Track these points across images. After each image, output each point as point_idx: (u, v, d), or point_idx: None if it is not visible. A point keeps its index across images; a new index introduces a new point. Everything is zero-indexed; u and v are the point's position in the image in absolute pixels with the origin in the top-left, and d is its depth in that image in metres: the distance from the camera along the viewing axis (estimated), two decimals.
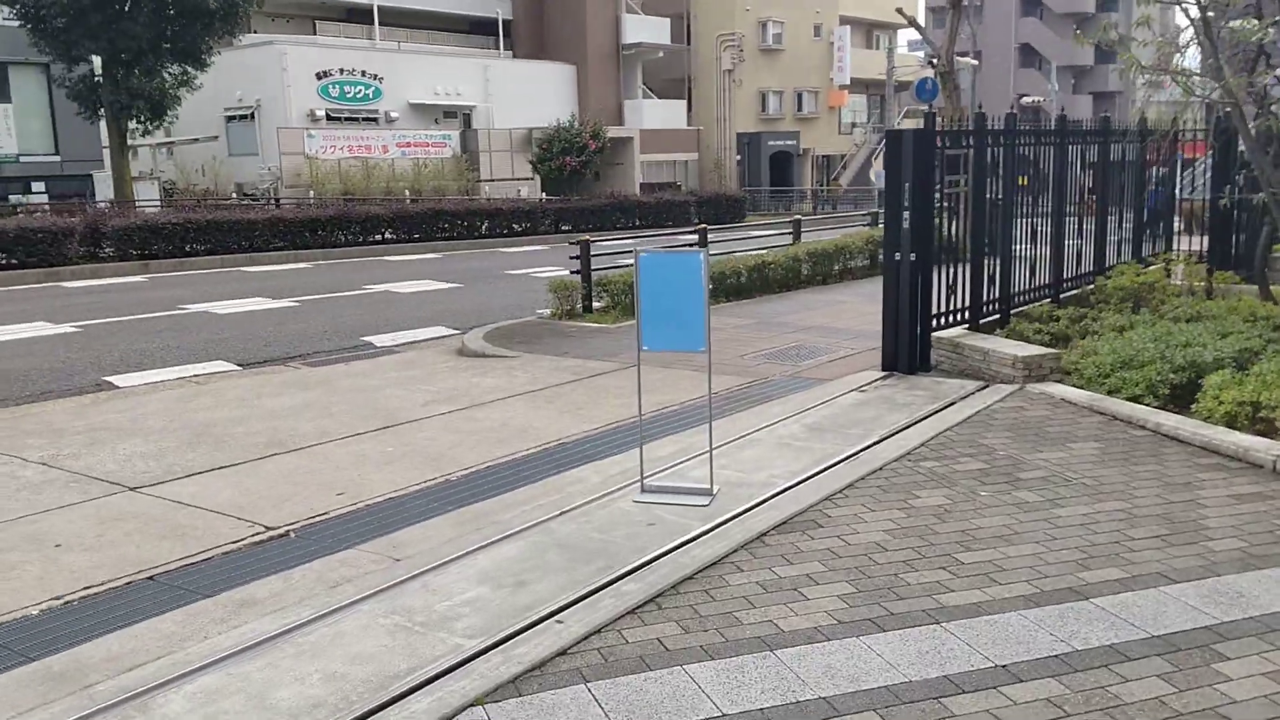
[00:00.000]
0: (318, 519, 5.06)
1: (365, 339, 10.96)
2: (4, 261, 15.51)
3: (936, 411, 6.64)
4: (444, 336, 11.19)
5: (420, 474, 5.78)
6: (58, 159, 29.24)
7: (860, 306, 11.95)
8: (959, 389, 7.21)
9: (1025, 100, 53.93)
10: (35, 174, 28.67)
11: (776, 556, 4.36)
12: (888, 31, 56.45)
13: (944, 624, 3.72)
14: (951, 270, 8.15)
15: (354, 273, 17.36)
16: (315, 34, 38.49)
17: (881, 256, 15.48)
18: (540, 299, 13.45)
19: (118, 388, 8.70)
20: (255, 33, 37.59)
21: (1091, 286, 10.21)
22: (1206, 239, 11.84)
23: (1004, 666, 3.39)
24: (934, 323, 7.97)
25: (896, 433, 6.17)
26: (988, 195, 8.34)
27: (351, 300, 13.87)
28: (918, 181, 7.47)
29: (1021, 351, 7.42)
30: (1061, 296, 9.80)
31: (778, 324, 10.78)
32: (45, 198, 27.61)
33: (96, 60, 25.66)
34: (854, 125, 53.38)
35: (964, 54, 47.53)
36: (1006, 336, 8.39)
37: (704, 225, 13.64)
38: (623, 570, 4.14)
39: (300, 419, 7.10)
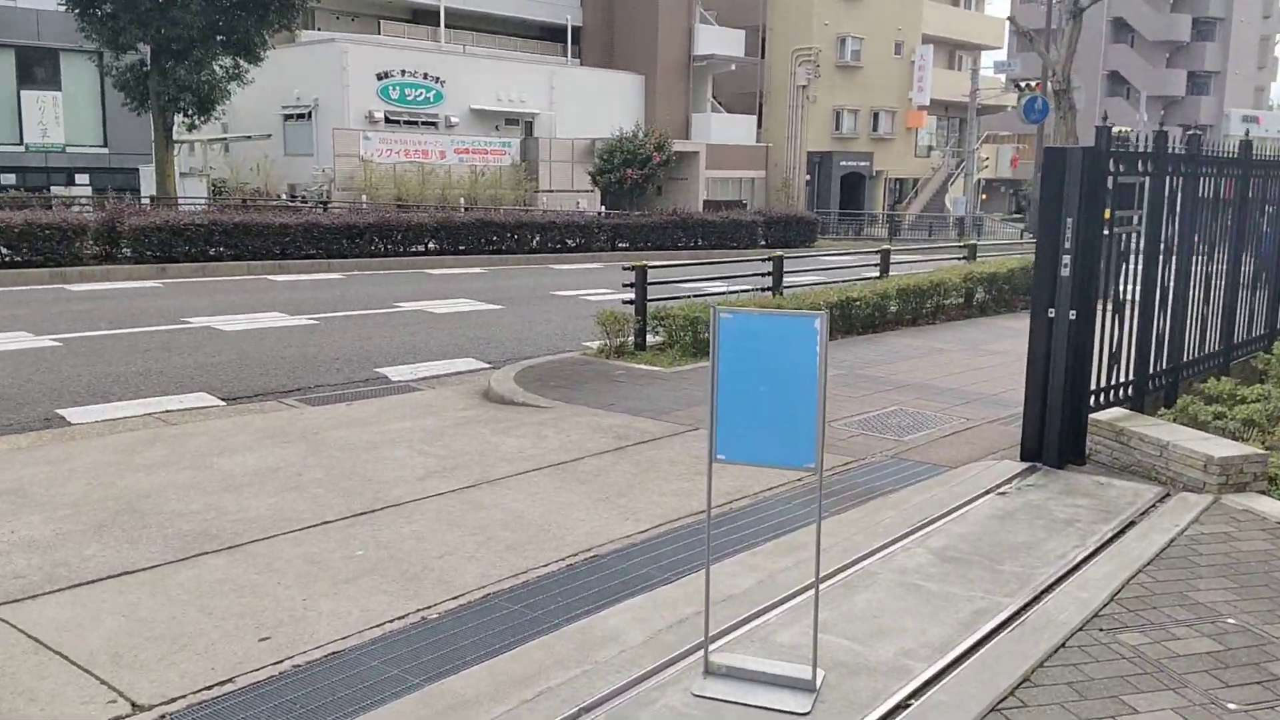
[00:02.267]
0: (215, 690, 3.37)
1: (381, 370, 9.36)
2: (9, 259, 14.23)
3: (1114, 537, 4.79)
4: (472, 371, 9.57)
5: (391, 602, 4.08)
6: (106, 151, 28.38)
7: (965, 358, 10.08)
8: (1133, 498, 5.35)
9: (1114, 130, 51.29)
10: (82, 165, 27.83)
11: None
12: (971, 52, 54.30)
13: None
14: (1110, 331, 6.28)
15: (389, 286, 15.85)
16: (379, 34, 37.48)
17: (979, 296, 13.70)
18: (589, 329, 11.79)
19: (69, 424, 7.19)
20: (319, 30, 36.74)
21: (1265, 352, 8.25)
22: None
23: None
24: (1092, 400, 6.10)
25: (1069, 573, 4.33)
26: (1164, 235, 6.48)
27: (377, 320, 12.31)
28: (1085, 216, 5.63)
29: (1217, 450, 5.53)
30: (1230, 365, 7.87)
31: (870, 378, 8.95)
32: (89, 190, 26.73)
33: (148, 50, 24.70)
34: (930, 148, 51.23)
35: (1036, 81, 45.19)
36: (1175, 419, 6.49)
37: (779, 253, 11.86)
38: None
39: (259, 491, 5.46)
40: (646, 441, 6.67)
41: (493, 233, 20.40)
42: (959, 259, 14.87)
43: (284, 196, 30.53)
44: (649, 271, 10.12)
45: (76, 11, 22.37)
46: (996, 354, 10.34)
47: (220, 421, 7.27)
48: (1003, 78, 52.25)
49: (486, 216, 20.81)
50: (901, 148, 47.80)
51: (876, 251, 13.16)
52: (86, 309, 12.27)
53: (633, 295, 10.08)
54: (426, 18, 38.47)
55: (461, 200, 30.54)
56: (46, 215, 14.77)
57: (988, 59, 55.28)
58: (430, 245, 19.47)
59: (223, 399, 8.11)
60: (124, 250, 15.51)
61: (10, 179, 26.05)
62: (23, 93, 26.41)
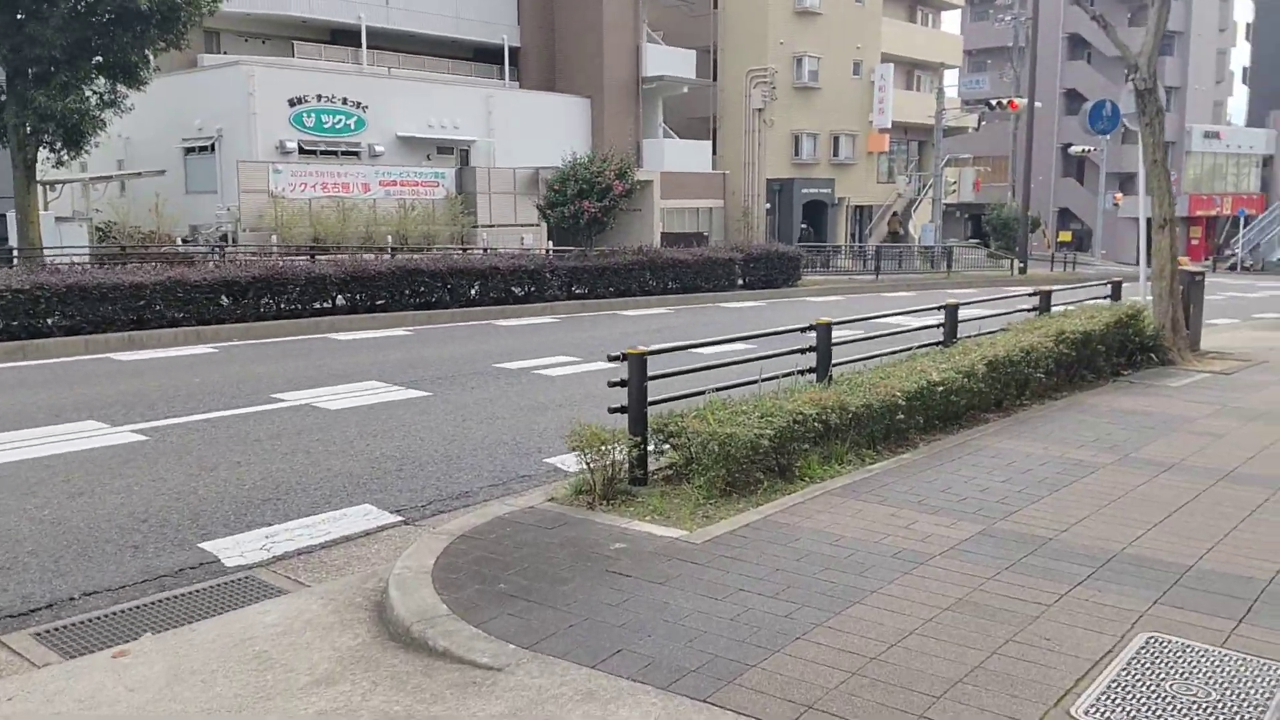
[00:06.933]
0: None
1: (210, 547, 5.58)
2: None
3: None
4: (367, 534, 5.86)
5: None
6: None
7: (1127, 478, 6.52)
8: None
9: (1072, 149, 49.04)
10: None
11: None
12: (930, 72, 51.94)
13: None
14: None
15: (272, 364, 11.95)
16: (293, 56, 33.56)
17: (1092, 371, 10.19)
18: (549, 431, 8.14)
19: None
20: (224, 53, 32.77)
21: None
22: None
23: None
24: None
25: None
26: None
27: (241, 428, 8.46)
28: None
29: None
30: None
31: (1014, 539, 5.34)
32: None
33: (2, 74, 20.66)
34: (891, 173, 48.53)
35: (1009, 99, 42.67)
36: None
37: (825, 319, 8.22)
38: None
39: None
40: None
41: (419, 283, 16.56)
42: (1026, 310, 11.44)
43: (180, 240, 26.38)
44: (648, 358, 6.43)
45: None
46: (1160, 466, 6.89)
47: None
48: (959, 99, 49.84)
49: (411, 263, 16.94)
50: (864, 172, 45.00)
51: (939, 308, 9.65)
52: None
53: (626, 401, 6.40)
54: (346, 38, 34.68)
55: (389, 238, 26.72)
56: None
57: (948, 78, 53.03)
58: (339, 300, 15.59)
59: None
60: None
61: None
62: None
